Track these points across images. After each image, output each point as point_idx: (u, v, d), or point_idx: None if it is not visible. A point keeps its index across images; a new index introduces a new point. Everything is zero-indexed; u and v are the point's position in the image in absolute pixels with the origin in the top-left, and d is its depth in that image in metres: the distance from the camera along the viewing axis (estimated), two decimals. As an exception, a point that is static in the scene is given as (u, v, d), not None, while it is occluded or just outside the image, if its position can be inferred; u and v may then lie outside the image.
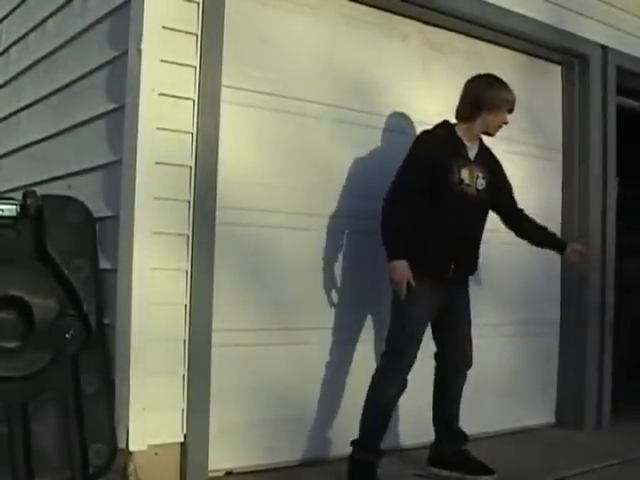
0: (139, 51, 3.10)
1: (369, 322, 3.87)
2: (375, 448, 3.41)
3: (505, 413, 4.34)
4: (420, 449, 3.76)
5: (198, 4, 3.23)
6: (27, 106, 4.32)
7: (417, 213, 3.36)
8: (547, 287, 4.70)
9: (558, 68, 4.82)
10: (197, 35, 3.23)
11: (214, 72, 3.27)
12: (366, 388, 3.44)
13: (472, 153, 3.51)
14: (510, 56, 4.53)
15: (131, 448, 3.03)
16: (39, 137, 4.08)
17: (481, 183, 3.48)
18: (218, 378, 3.31)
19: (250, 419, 3.47)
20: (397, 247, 3.33)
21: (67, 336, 3.02)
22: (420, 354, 3.44)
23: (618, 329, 4.85)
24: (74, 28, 3.74)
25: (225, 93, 3.33)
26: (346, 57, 3.82)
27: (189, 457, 3.18)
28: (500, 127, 3.53)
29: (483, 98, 3.45)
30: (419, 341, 3.41)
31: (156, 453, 3.11)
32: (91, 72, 3.56)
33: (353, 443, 3.43)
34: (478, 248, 3.57)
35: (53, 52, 4.01)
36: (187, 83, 3.21)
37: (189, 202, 3.22)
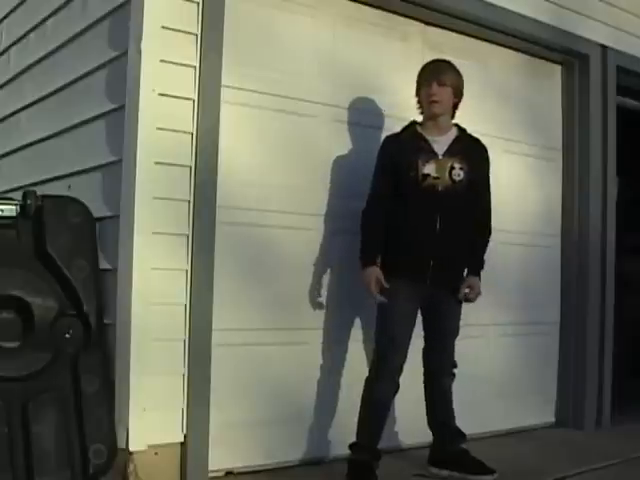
0: (139, 51, 3.10)
1: (369, 322, 3.85)
2: (372, 449, 3.42)
3: (505, 413, 4.34)
4: (420, 449, 3.76)
5: (198, 4, 3.23)
6: (27, 106, 4.32)
7: (389, 216, 3.39)
8: (547, 287, 4.70)
9: (558, 68, 4.82)
10: (197, 35, 3.23)
11: (214, 72, 3.27)
12: (365, 388, 3.45)
13: (441, 145, 3.44)
14: (510, 56, 4.53)
15: (131, 448, 3.03)
16: (39, 137, 4.08)
17: (458, 174, 3.40)
18: (218, 378, 3.31)
19: (250, 419, 3.47)
20: (365, 255, 3.42)
21: (67, 336, 3.02)
22: (416, 354, 3.45)
23: (618, 329, 4.85)
24: (74, 28, 3.74)
25: (225, 93, 3.33)
26: (346, 57, 3.82)
27: (189, 457, 3.18)
28: (431, 103, 3.43)
29: (416, 85, 3.53)
30: (403, 342, 3.39)
31: (156, 453, 3.11)
32: (91, 72, 3.55)
33: (351, 446, 3.44)
34: (463, 242, 3.45)
35: (53, 52, 4.01)
36: (187, 83, 3.21)
37: (189, 202, 3.22)
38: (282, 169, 3.61)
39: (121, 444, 3.02)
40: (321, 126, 3.74)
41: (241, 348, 3.46)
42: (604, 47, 4.76)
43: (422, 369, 3.57)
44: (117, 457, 2.99)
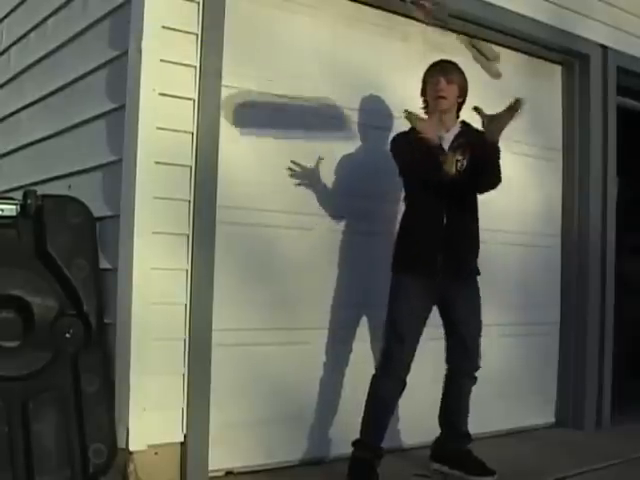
0: (139, 51, 3.10)
1: (369, 322, 3.86)
2: (375, 448, 3.41)
3: (505, 413, 4.34)
4: (420, 449, 3.76)
5: (198, 4, 3.23)
6: (27, 106, 4.32)
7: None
8: (547, 287, 4.70)
9: (558, 68, 4.82)
10: (197, 35, 3.23)
11: (214, 72, 3.27)
12: (366, 388, 3.44)
13: (447, 141, 3.44)
14: (510, 56, 4.53)
15: (131, 448, 3.03)
16: (39, 137, 4.08)
17: (462, 164, 3.40)
18: (218, 378, 3.31)
19: (250, 419, 3.47)
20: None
21: (67, 336, 3.03)
22: (421, 354, 3.45)
23: (618, 329, 4.85)
24: (74, 28, 3.74)
25: (225, 93, 3.33)
26: (346, 57, 3.82)
27: (189, 457, 3.18)
28: (438, 98, 3.44)
29: (422, 84, 3.53)
30: (412, 339, 3.38)
31: (156, 453, 3.11)
32: (91, 72, 3.56)
33: (354, 443, 3.43)
34: (471, 236, 3.48)
35: (53, 52, 4.01)
36: (187, 83, 3.21)
37: (189, 202, 3.22)
38: (282, 169, 3.61)
39: (121, 444, 3.02)
40: (321, 126, 3.74)
41: (241, 348, 3.45)
42: (604, 47, 4.76)
43: (424, 369, 3.56)
44: (117, 457, 2.99)
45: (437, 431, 3.65)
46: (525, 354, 4.53)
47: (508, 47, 4.49)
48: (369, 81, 3.89)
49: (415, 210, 3.46)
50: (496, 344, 4.32)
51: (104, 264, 3.24)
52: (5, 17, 4.78)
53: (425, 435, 3.70)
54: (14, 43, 4.61)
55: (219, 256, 3.29)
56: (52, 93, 3.98)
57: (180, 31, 3.20)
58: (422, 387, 3.58)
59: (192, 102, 3.22)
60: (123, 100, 3.23)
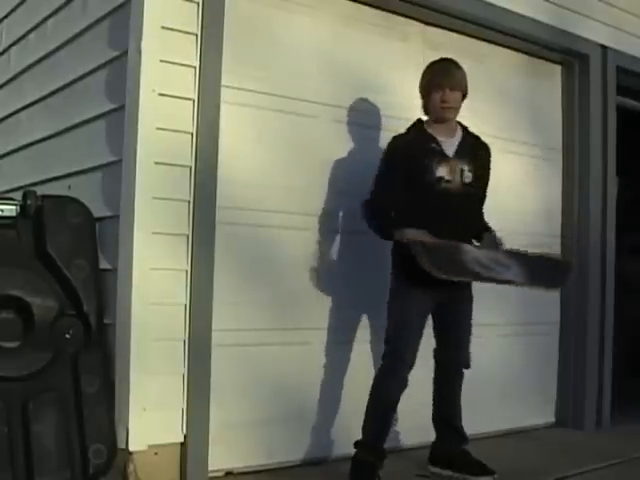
0: (139, 51, 3.10)
1: (369, 322, 3.87)
2: (377, 448, 3.41)
3: (505, 413, 4.34)
4: (421, 449, 3.76)
5: (198, 4, 3.23)
6: (27, 106, 4.32)
7: (403, 218, 3.34)
8: (547, 287, 4.70)
9: (558, 68, 4.82)
10: (197, 35, 3.23)
11: (214, 72, 3.27)
12: (366, 388, 3.43)
13: (450, 147, 3.43)
14: (510, 56, 4.53)
15: (131, 448, 3.03)
16: (39, 137, 4.08)
17: (467, 176, 3.41)
18: (218, 378, 3.31)
19: (250, 419, 3.47)
20: (390, 224, 3.33)
21: (67, 336, 3.03)
22: (421, 353, 3.45)
23: (618, 329, 4.85)
24: (74, 28, 3.74)
25: (225, 93, 3.33)
26: (346, 57, 3.83)
27: (189, 457, 3.18)
28: (443, 108, 3.41)
29: (421, 84, 3.48)
30: (414, 340, 3.38)
31: (156, 453, 3.11)
32: (91, 72, 3.56)
33: (356, 443, 3.43)
34: (472, 243, 3.47)
35: (53, 52, 4.01)
36: (187, 83, 3.21)
37: (189, 202, 3.22)
38: (282, 169, 3.61)
39: (121, 444, 3.02)
40: (321, 126, 3.74)
41: (241, 348, 3.45)
42: (604, 47, 4.76)
43: (424, 369, 3.55)
44: (117, 457, 3.00)
45: (437, 431, 3.66)
46: (525, 354, 4.53)
47: (508, 47, 4.49)
48: (368, 81, 3.89)
49: (421, 215, 3.35)
50: (496, 344, 4.32)
51: (104, 264, 3.24)
52: (5, 17, 4.78)
53: (425, 435, 3.70)
54: (14, 43, 4.61)
55: (219, 256, 3.29)
56: (52, 93, 3.98)
57: (180, 31, 3.19)
58: (422, 387, 3.57)
59: (192, 102, 3.22)
60: (123, 100, 3.22)
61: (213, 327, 3.26)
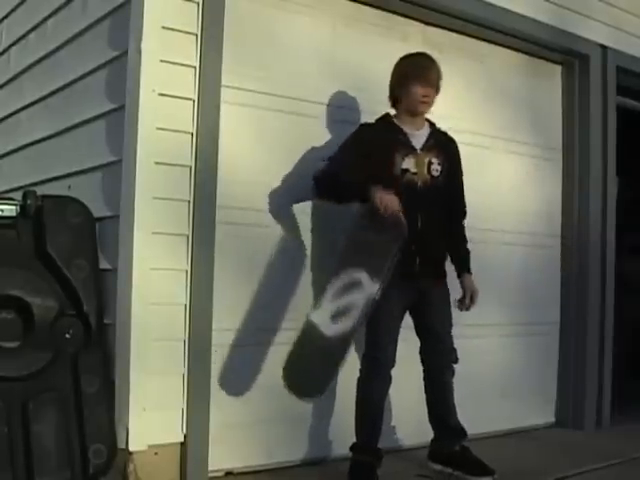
0: (139, 51, 3.10)
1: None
2: (372, 449, 3.41)
3: (505, 413, 4.34)
4: (421, 449, 3.76)
5: (198, 4, 3.23)
6: (27, 106, 4.31)
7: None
8: (547, 287, 4.70)
9: (558, 68, 4.82)
10: (197, 35, 3.23)
11: (214, 72, 3.27)
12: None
13: (418, 140, 3.42)
14: (510, 56, 4.53)
15: (131, 448, 3.03)
16: (39, 137, 4.08)
17: (436, 169, 3.39)
18: (218, 378, 3.31)
19: (250, 419, 3.47)
20: (354, 187, 3.25)
21: (67, 336, 3.02)
22: (417, 353, 3.44)
23: (618, 329, 4.85)
24: (74, 28, 3.74)
25: (225, 93, 3.33)
26: (346, 57, 3.83)
27: (189, 457, 3.18)
28: (423, 102, 3.40)
29: (399, 74, 3.45)
30: (391, 339, 3.37)
31: (156, 453, 3.11)
32: (91, 72, 3.55)
33: (352, 447, 3.43)
34: (444, 235, 3.45)
35: (53, 52, 4.01)
36: (187, 83, 3.21)
37: (189, 202, 3.22)
38: (282, 169, 3.61)
39: (121, 444, 3.02)
40: (321, 126, 3.74)
41: (241, 348, 3.46)
42: (604, 47, 4.76)
43: (422, 368, 3.55)
44: (117, 457, 2.99)
45: (436, 431, 3.66)
46: (525, 354, 4.53)
47: (508, 47, 4.48)
48: (369, 81, 3.89)
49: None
50: (496, 344, 4.33)
51: (104, 264, 3.24)
52: (5, 17, 4.77)
53: (425, 435, 3.69)
54: (14, 43, 4.61)
55: (219, 256, 3.29)
56: (52, 93, 3.98)
57: (180, 31, 3.19)
58: (420, 387, 3.57)
59: (192, 102, 3.22)
60: (123, 100, 3.22)
61: (213, 327, 3.26)
